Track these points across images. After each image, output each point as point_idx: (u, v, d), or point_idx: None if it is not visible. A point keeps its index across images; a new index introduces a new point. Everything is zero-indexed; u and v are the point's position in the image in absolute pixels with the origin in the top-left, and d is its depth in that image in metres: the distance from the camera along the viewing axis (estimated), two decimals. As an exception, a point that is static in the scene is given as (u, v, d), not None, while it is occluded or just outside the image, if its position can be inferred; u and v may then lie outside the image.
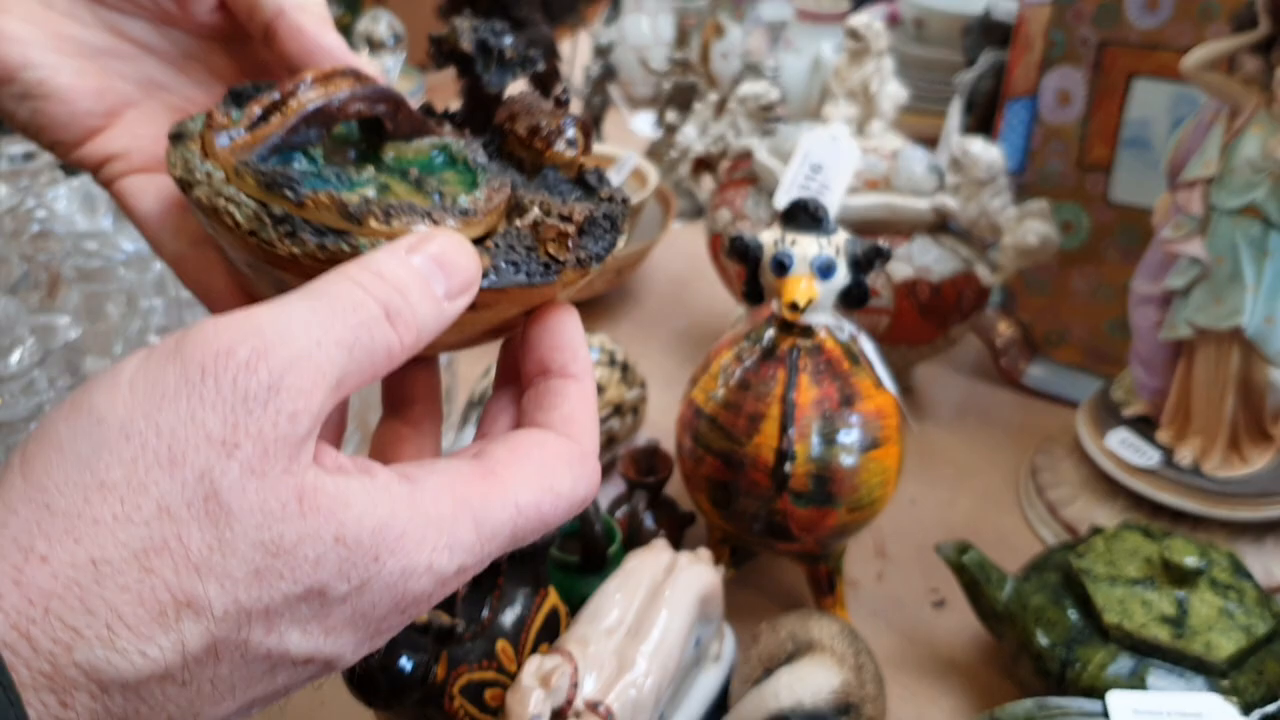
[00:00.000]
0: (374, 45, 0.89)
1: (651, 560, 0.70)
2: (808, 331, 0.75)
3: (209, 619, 0.30)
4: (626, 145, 1.47)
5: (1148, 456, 0.87)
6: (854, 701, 0.68)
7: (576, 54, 1.43)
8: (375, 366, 0.34)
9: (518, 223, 0.43)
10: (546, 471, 0.37)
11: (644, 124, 1.53)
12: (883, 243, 0.74)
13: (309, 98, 0.43)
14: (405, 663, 0.61)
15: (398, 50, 0.90)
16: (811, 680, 0.68)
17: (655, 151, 1.36)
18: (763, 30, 1.54)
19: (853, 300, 0.74)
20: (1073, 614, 0.73)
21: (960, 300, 0.95)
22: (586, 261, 0.42)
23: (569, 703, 0.61)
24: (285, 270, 0.39)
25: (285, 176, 0.40)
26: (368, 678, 0.60)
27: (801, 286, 0.72)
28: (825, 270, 0.72)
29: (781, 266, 0.72)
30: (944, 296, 0.94)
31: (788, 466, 0.73)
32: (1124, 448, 0.88)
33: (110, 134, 0.45)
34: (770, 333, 0.76)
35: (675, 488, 0.88)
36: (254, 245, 0.39)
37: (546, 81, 1.46)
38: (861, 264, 0.73)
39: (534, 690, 0.59)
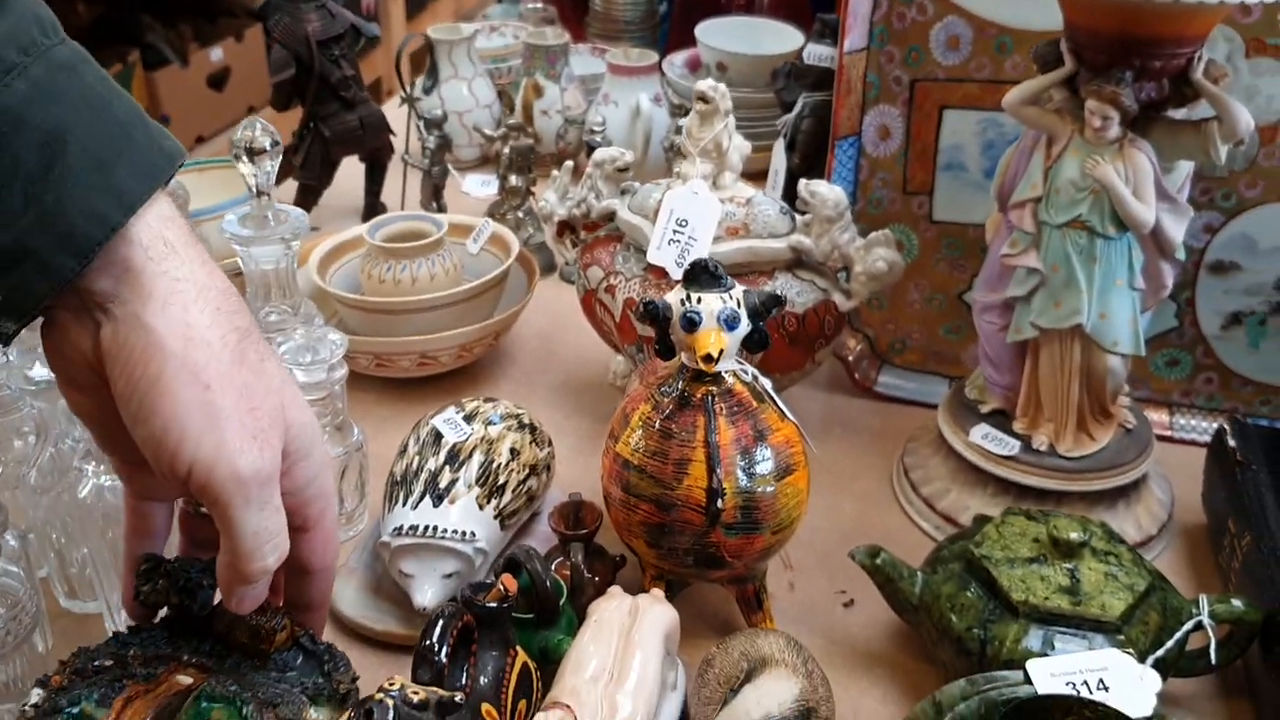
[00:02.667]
0: (254, 153, 0.92)
1: (614, 607, 0.76)
2: (718, 378, 0.82)
3: None
4: (462, 207, 1.52)
5: (1008, 446, 0.99)
6: (812, 705, 0.75)
7: (410, 127, 1.47)
8: None
9: None
10: None
11: (474, 185, 1.58)
12: (778, 291, 0.82)
13: None
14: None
15: (274, 154, 0.93)
16: (774, 693, 0.75)
17: (495, 212, 1.41)
18: (577, 85, 1.61)
19: (755, 345, 0.82)
20: (981, 597, 0.82)
21: (824, 326, 1.04)
22: None
23: (575, 750, 0.66)
24: None
25: None
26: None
27: (712, 339, 0.79)
28: (731, 322, 0.79)
29: (691, 323, 0.79)
30: (809, 325, 1.03)
31: (719, 503, 0.80)
32: (987, 441, 0.99)
33: None
34: (681, 384, 0.83)
35: (601, 534, 0.94)
36: None
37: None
38: (760, 312, 0.81)
39: (548, 743, 0.64)
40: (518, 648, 0.77)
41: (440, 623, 0.72)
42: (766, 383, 0.86)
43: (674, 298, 0.81)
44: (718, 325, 0.79)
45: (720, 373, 0.82)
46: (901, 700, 0.87)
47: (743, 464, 0.81)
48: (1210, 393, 1.13)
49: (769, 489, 0.82)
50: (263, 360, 0.65)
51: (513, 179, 1.36)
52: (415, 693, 0.66)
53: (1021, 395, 0.99)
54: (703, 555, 0.84)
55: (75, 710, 0.67)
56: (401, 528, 0.89)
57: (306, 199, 1.44)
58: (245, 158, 0.93)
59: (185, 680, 0.70)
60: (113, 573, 0.91)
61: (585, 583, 0.88)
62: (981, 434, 1.00)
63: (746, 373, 0.84)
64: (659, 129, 1.51)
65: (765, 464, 0.82)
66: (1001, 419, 1.01)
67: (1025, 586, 0.81)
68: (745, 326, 0.81)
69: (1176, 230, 0.90)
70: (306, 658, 0.75)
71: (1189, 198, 0.98)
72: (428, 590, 0.89)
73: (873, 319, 1.20)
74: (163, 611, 0.76)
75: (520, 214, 1.38)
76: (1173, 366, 1.14)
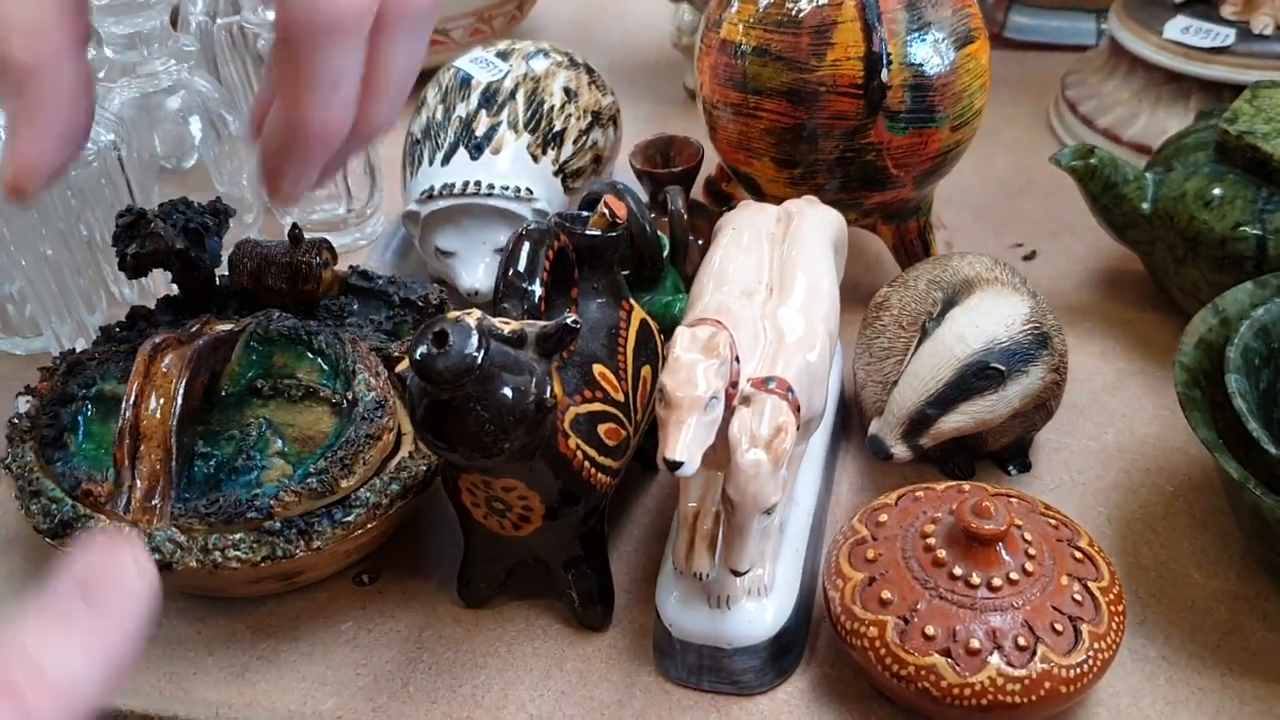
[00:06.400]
0: None
1: (753, 215, 0.53)
2: (861, -94, 0.58)
3: None
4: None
5: (1218, 36, 0.74)
6: (1046, 331, 0.53)
7: None
8: None
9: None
10: None
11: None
12: None
13: (160, 438, 0.51)
14: (506, 392, 0.42)
15: None
16: (997, 313, 0.52)
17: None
18: None
19: None
20: (1248, 185, 0.59)
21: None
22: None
23: (733, 383, 0.44)
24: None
25: (235, 505, 0.48)
26: (467, 422, 0.42)
27: None
28: None
29: None
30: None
31: (884, 74, 0.57)
32: (1189, 35, 0.75)
33: None
34: (809, -75, 0.59)
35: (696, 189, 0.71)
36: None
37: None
38: None
39: (700, 362, 0.41)
40: (632, 300, 0.54)
41: (526, 244, 0.49)
42: (921, -73, 0.61)
43: None
44: None
45: (865, -103, 0.58)
46: (1128, 354, 0.65)
47: (910, 23, 0.58)
48: None
49: (946, 60, 0.58)
50: None
51: None
52: (504, 324, 0.44)
53: (1233, -33, 0.74)
54: (857, 168, 0.60)
55: (92, 391, 0.55)
56: (432, 189, 0.65)
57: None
58: None
59: (224, 326, 0.56)
60: (59, 297, 0.68)
61: (688, 240, 0.65)
62: (1180, 28, 0.76)
63: (897, -95, 0.60)
64: None
65: (939, 25, 0.58)
66: (1203, 8, 0.77)
67: (1318, 157, 0.58)
68: None
69: None
70: (365, 296, 0.61)
71: None
72: (478, 268, 0.65)
73: (994, -59, 0.95)
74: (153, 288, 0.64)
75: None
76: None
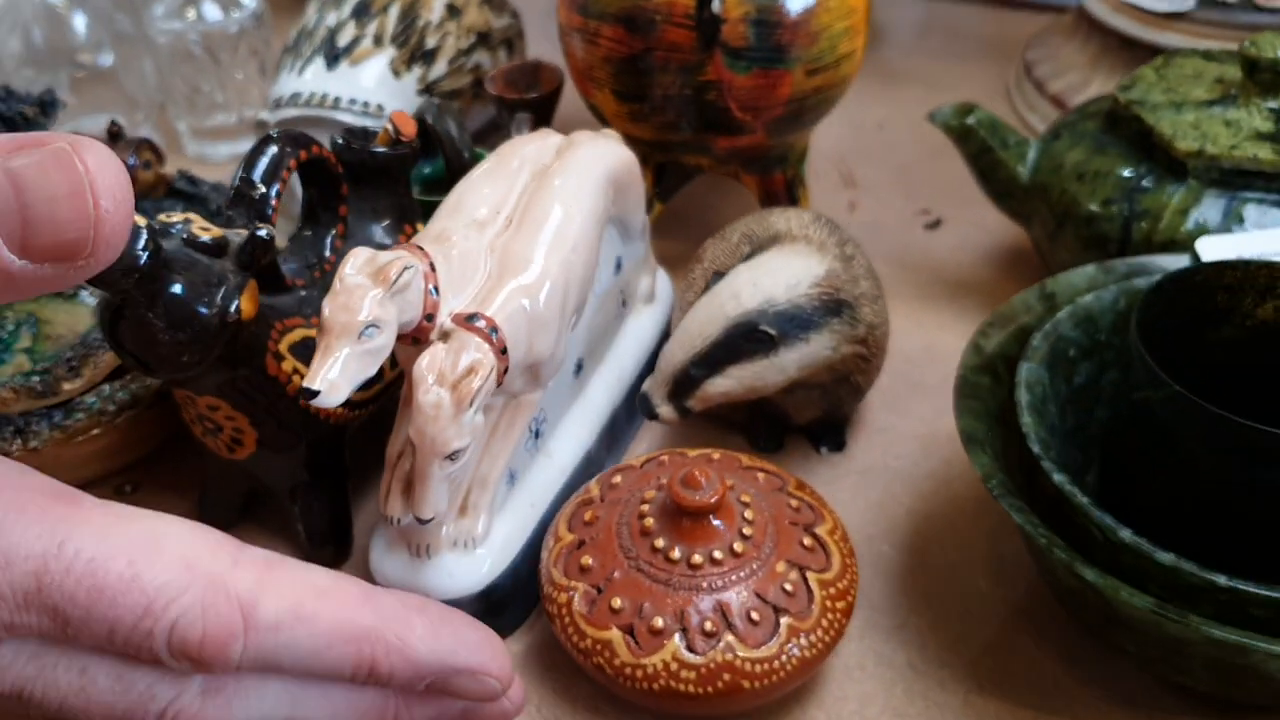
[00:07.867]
0: None
1: (528, 144, 0.49)
2: None
3: None
4: None
5: (1178, 0, 0.67)
6: (846, 299, 0.48)
7: None
8: None
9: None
10: None
11: None
12: None
13: None
14: (179, 298, 0.39)
15: None
16: (783, 272, 0.47)
17: None
18: None
19: None
20: (1127, 158, 0.53)
21: None
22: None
23: (429, 317, 0.40)
24: None
25: None
26: (141, 329, 0.39)
27: None
28: None
29: None
30: None
31: (716, 5, 0.52)
32: (1147, -3, 0.68)
33: None
34: None
35: (565, 122, 0.67)
36: None
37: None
38: None
39: (366, 287, 0.38)
40: (419, 225, 0.51)
41: (269, 150, 0.46)
42: None
43: None
44: None
45: None
46: (1000, 336, 0.59)
47: (754, -50, 0.53)
48: None
49: (796, -6, 0.53)
50: None
51: None
52: (205, 230, 0.41)
53: (1201, -76, 0.67)
54: (700, 109, 0.56)
55: None
56: (281, 98, 0.63)
57: None
58: None
59: None
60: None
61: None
62: (1138, -12, 0.69)
63: None
64: None
65: (791, -43, 0.53)
66: (1169, -32, 0.70)
67: (1199, 133, 0.51)
68: None
69: None
70: (190, 201, 0.59)
71: None
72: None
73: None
74: None
75: None
76: None
